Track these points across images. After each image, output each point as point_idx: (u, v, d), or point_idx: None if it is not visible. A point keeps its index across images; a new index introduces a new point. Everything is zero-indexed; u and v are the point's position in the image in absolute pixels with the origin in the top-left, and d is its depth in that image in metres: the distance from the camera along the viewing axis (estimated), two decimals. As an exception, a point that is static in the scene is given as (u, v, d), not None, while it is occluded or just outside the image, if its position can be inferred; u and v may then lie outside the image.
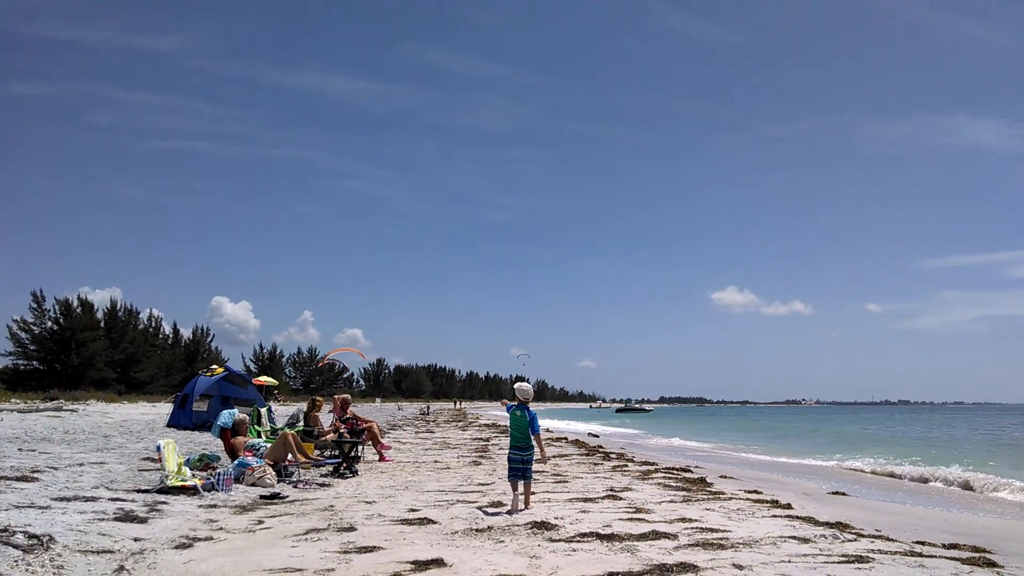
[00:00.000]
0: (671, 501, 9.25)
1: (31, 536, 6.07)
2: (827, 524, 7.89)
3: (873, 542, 7.01)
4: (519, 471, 8.37)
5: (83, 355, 65.07)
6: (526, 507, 8.37)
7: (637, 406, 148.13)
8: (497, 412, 72.73)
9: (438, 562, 5.62)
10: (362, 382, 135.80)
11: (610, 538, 6.62)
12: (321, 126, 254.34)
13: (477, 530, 7.02)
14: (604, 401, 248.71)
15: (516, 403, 8.69)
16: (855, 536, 7.29)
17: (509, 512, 8.14)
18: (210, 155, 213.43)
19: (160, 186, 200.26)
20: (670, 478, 12.12)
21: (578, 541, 6.51)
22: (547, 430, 33.00)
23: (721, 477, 12.94)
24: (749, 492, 10.59)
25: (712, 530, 7.20)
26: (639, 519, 7.76)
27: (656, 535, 6.79)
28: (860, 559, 6.13)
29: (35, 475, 9.58)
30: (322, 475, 11.86)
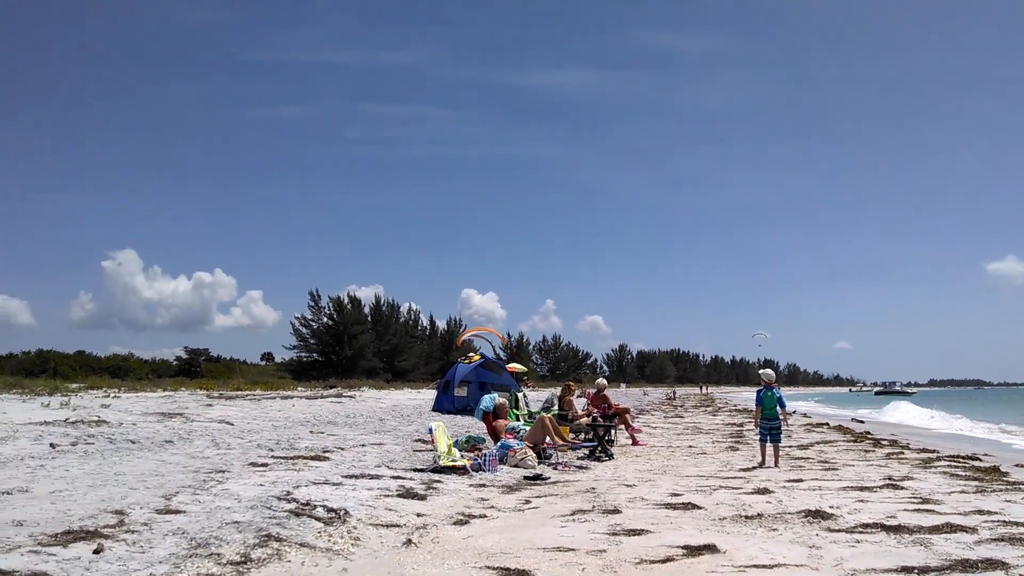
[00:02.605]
0: (962, 491, 8.35)
1: (329, 510, 6.70)
2: None
3: None
4: (769, 435, 11.03)
5: (354, 347, 71.52)
6: (776, 465, 10.80)
7: (899, 389, 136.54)
8: (748, 395, 70.29)
9: (711, 548, 5.46)
10: (605, 367, 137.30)
11: (897, 530, 6.08)
12: (552, 121, 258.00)
13: (746, 517, 6.76)
14: (864, 384, 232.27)
15: (763, 385, 11.32)
16: None
17: (760, 465, 10.94)
18: (453, 158, 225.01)
19: (412, 190, 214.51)
20: (956, 466, 10.98)
21: (860, 532, 6.05)
22: (804, 415, 31.31)
23: (1017, 466, 11.51)
24: (1057, 484, 9.29)
25: (1018, 524, 6.39)
26: (927, 510, 7.07)
27: (951, 528, 6.13)
28: None
29: (326, 455, 10.60)
30: (579, 458, 12.06)
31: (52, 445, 9.69)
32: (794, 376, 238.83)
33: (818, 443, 15.20)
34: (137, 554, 4.82)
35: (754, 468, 10.65)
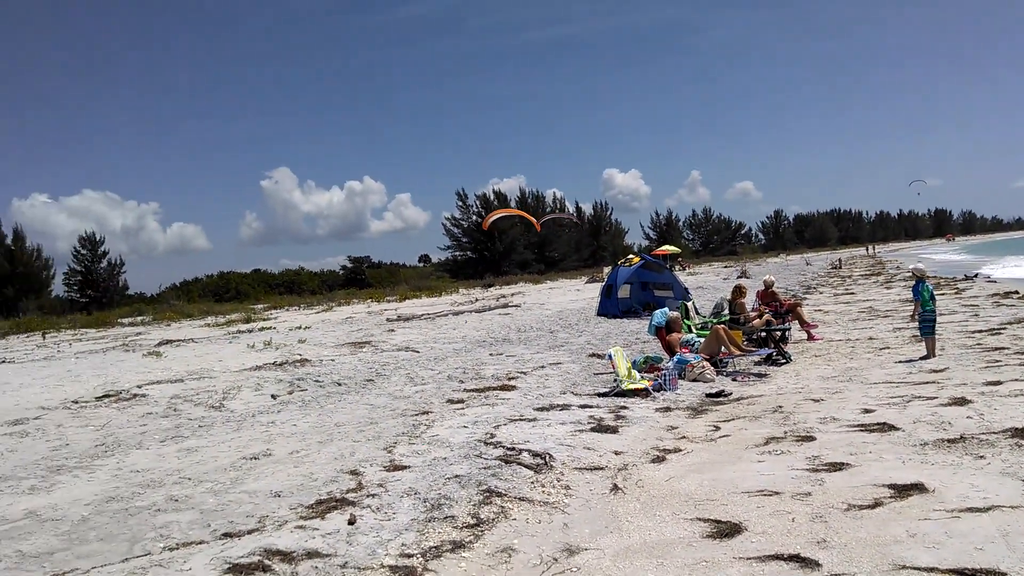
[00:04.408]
0: None
1: (534, 454, 7.19)
2: None
3: None
4: (930, 327, 11.35)
5: (505, 241, 73.30)
6: (934, 355, 11.17)
7: None
8: (917, 253, 66.53)
9: (918, 487, 5.50)
10: (760, 236, 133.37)
11: (1120, 453, 5.86)
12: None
13: (948, 440, 6.68)
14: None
15: (917, 279, 11.72)
16: None
17: (923, 358, 11.13)
18: (579, 36, 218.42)
19: (541, 75, 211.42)
20: None
21: (1077, 457, 5.89)
22: (988, 279, 29.41)
23: None
24: None
25: None
26: None
27: None
28: None
29: (512, 383, 11.21)
30: (755, 363, 12.12)
31: (273, 396, 10.81)
32: (970, 224, 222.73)
33: (1011, 323, 14.41)
34: (384, 522, 5.45)
35: (946, 367, 10.33)
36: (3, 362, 17.64)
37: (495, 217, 43.13)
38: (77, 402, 11.04)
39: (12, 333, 29.93)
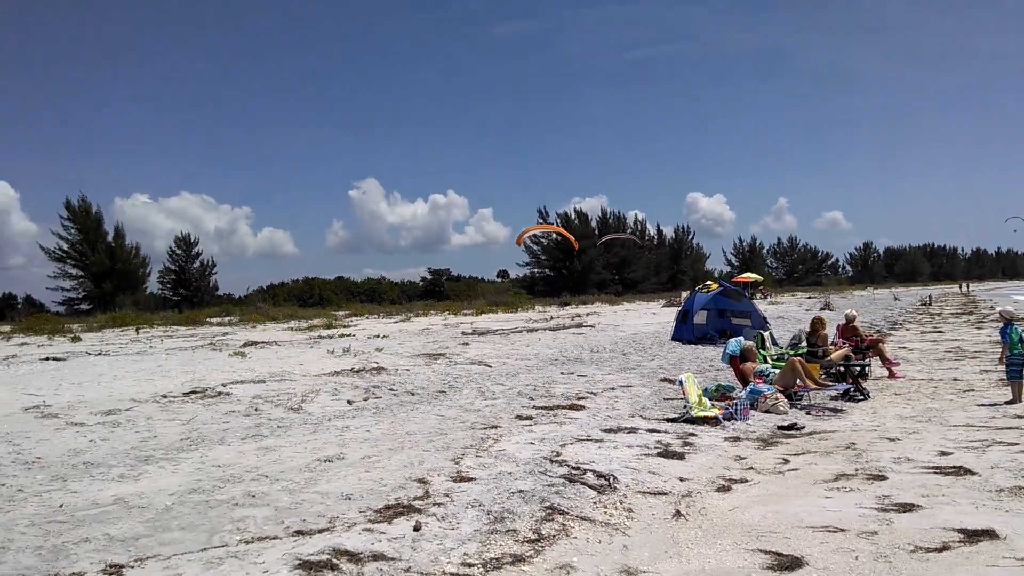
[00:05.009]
0: None
1: (598, 475, 7.26)
2: None
3: None
4: (1017, 372, 10.84)
5: (584, 261, 73.32)
6: (1020, 400, 10.69)
7: None
8: (1010, 294, 63.44)
9: (989, 533, 5.37)
10: (848, 268, 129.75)
11: None
12: (775, 4, 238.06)
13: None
14: None
15: (1005, 322, 11.35)
16: None
17: (1009, 403, 10.73)
18: (667, 57, 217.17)
19: (631, 95, 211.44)
20: None
21: None
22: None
23: None
24: None
25: None
26: None
27: None
28: None
29: (581, 403, 11.28)
30: (831, 398, 11.89)
31: (348, 402, 11.18)
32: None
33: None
34: (448, 531, 5.61)
35: (1031, 414, 9.96)
36: (99, 354, 18.60)
37: (530, 233, 42.96)
38: (166, 396, 11.61)
39: (108, 327, 31.52)
